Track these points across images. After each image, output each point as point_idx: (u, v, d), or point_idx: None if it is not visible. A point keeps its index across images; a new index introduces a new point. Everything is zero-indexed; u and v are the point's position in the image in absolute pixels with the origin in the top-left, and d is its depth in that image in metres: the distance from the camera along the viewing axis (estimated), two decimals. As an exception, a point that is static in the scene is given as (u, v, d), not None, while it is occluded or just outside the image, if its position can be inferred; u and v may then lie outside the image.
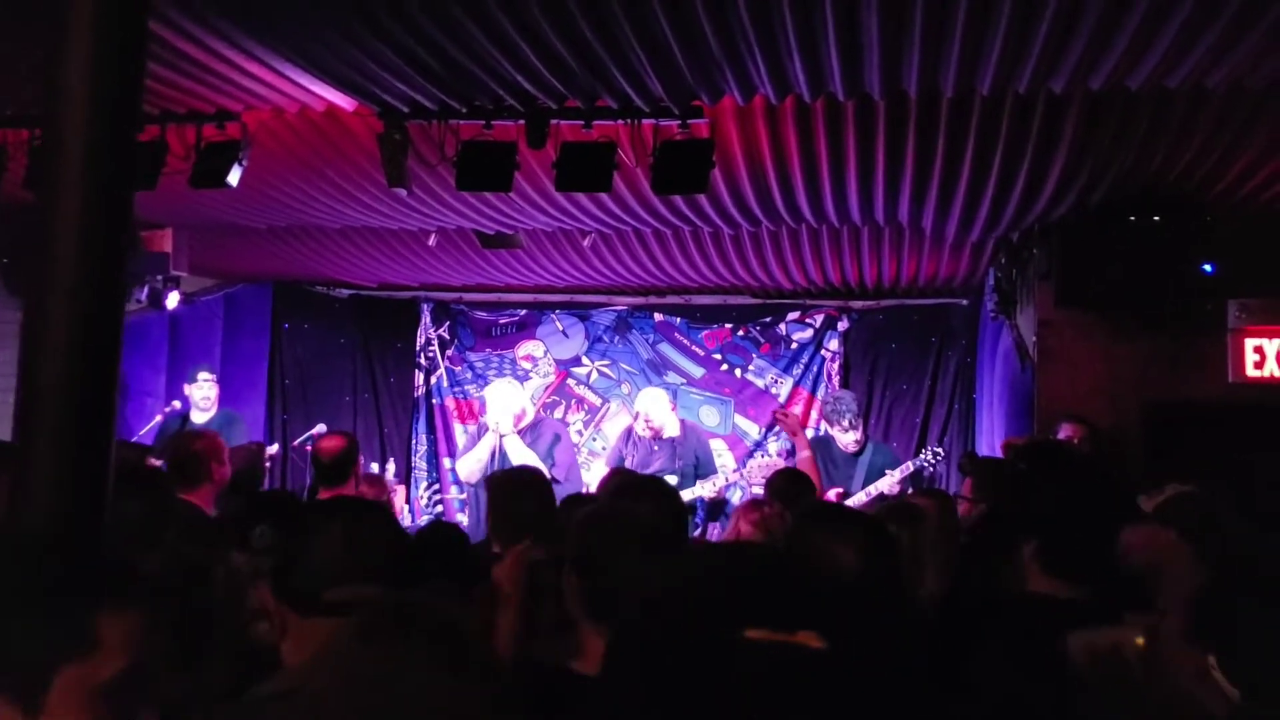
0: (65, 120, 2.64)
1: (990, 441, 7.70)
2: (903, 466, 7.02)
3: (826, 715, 0.88)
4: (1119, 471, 5.78)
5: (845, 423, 7.08)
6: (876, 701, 0.91)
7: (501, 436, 7.22)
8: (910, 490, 6.55)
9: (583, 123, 5.03)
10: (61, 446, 2.53)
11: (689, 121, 4.94)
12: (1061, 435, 5.90)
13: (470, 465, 7.29)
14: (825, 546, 2.21)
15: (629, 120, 5.01)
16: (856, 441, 7.15)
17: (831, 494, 6.54)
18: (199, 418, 7.78)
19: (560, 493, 4.48)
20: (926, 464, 7.27)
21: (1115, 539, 2.64)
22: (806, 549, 2.22)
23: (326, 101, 5.08)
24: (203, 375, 7.99)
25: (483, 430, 7.55)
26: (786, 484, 4.84)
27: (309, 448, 6.45)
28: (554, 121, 5.07)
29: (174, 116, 5.38)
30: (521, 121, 5.07)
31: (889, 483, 6.83)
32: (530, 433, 7.34)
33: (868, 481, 6.91)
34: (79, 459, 2.54)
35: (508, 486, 3.84)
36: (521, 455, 7.04)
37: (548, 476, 3.98)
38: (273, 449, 8.06)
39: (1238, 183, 5.52)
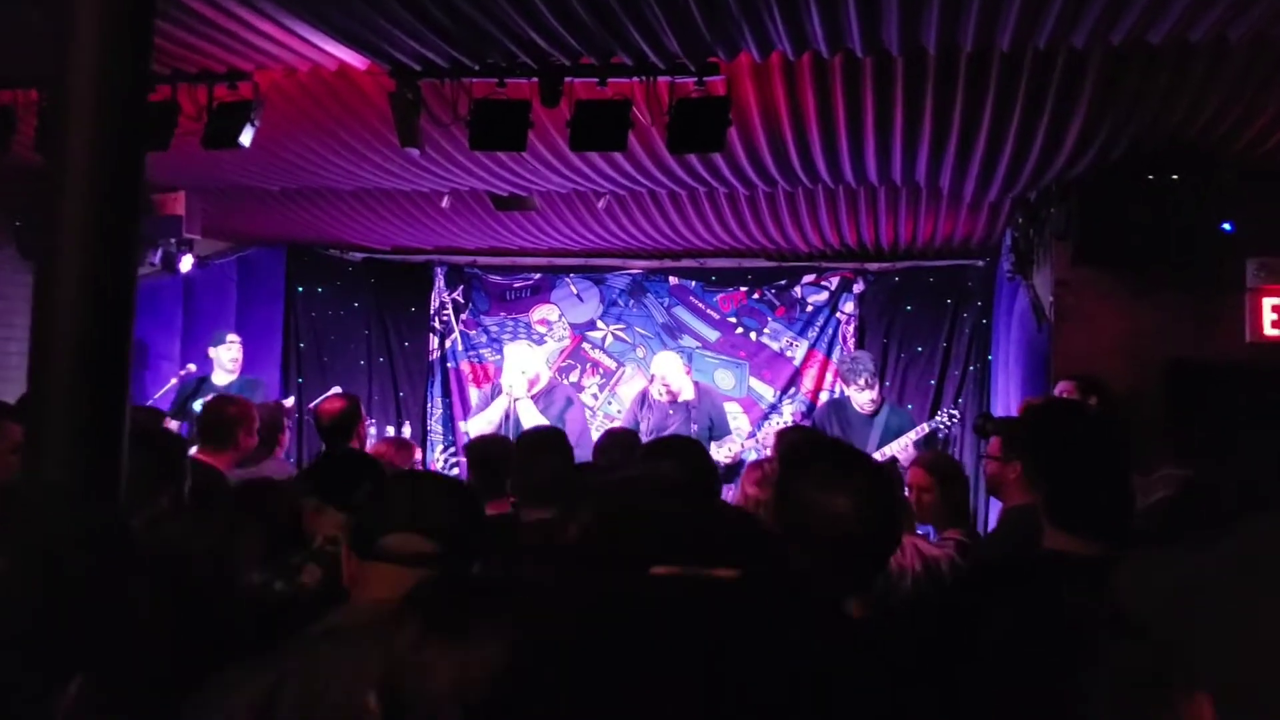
0: (73, 79, 2.63)
1: (1006, 403, 7.68)
2: (918, 428, 7.01)
3: (737, 642, 0.89)
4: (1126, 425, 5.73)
5: (862, 381, 7.07)
6: (789, 629, 0.92)
7: (515, 400, 7.23)
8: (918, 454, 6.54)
9: (597, 80, 4.99)
10: (75, 409, 2.54)
11: (705, 79, 4.89)
12: (1057, 393, 5.85)
13: (480, 427, 7.27)
14: (815, 496, 2.13)
15: (644, 78, 4.96)
16: (873, 401, 7.14)
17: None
18: (222, 379, 7.75)
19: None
20: (941, 425, 7.25)
21: (1126, 491, 2.61)
22: (798, 499, 2.16)
23: (338, 60, 5.05)
24: (230, 337, 7.99)
25: (496, 392, 7.56)
26: (794, 439, 4.83)
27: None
28: (568, 79, 5.03)
29: (185, 76, 5.36)
30: (535, 79, 5.03)
31: (904, 444, 6.84)
32: (544, 398, 7.34)
33: (883, 443, 6.91)
34: (93, 420, 2.54)
35: (529, 447, 3.83)
36: (533, 419, 7.04)
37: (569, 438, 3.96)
38: (289, 402, 8.12)
39: (1258, 140, 5.45)
